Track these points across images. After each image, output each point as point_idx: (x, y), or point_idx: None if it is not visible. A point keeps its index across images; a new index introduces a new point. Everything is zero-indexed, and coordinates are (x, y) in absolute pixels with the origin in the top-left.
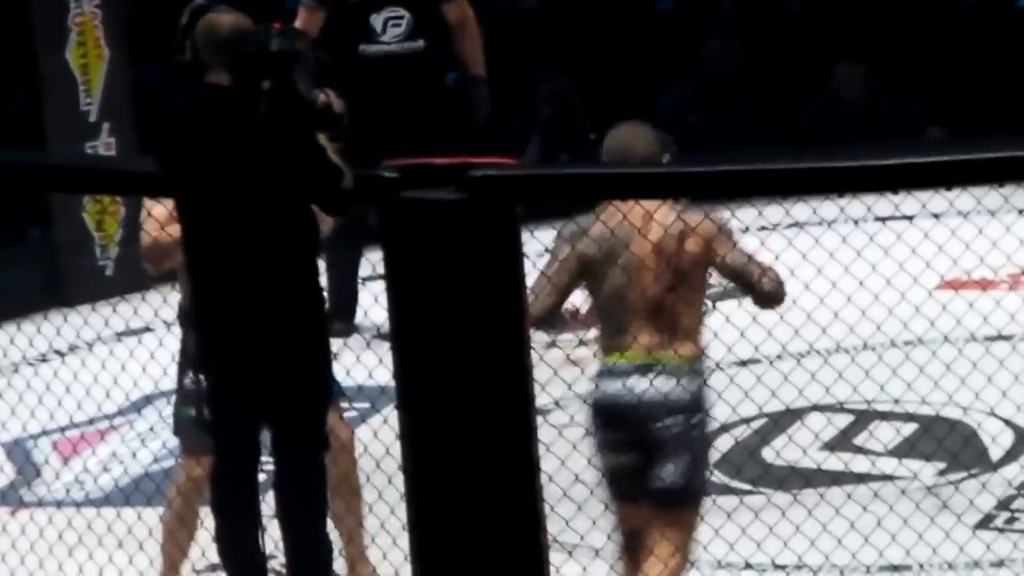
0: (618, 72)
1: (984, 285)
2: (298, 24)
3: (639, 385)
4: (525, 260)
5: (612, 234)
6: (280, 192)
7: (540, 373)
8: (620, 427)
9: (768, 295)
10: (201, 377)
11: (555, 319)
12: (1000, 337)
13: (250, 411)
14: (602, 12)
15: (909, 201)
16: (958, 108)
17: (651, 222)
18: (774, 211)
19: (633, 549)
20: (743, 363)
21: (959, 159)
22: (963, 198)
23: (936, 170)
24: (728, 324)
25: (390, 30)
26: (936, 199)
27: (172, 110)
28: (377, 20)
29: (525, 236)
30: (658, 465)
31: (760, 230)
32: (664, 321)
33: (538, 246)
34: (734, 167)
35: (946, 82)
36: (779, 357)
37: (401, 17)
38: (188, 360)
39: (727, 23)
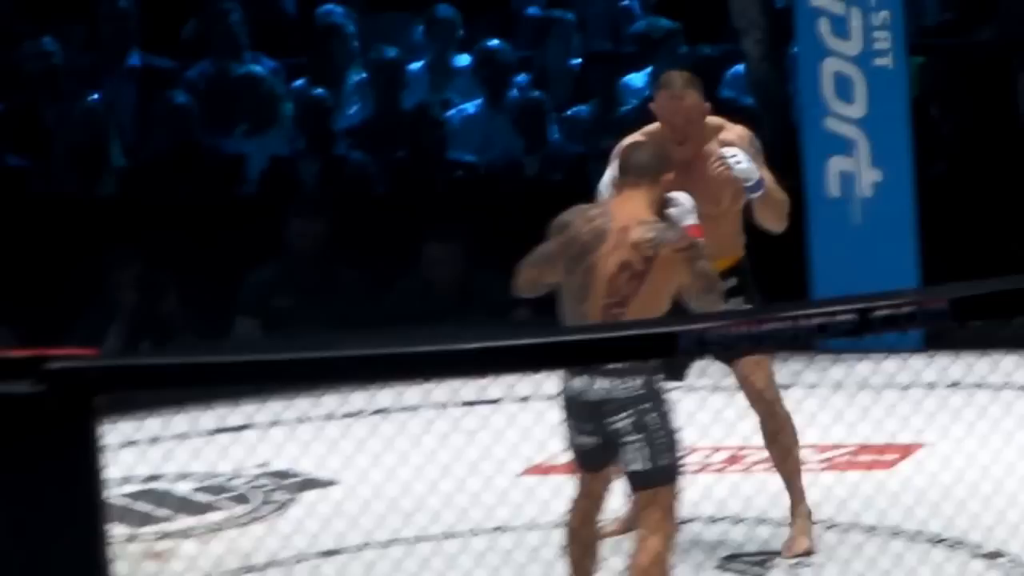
0: (204, 255)
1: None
2: None
3: (593, 384)
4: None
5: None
6: None
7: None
8: (581, 418)
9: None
10: None
11: (538, 289)
12: None
13: None
14: (182, 196)
15: (497, 384)
16: None
17: (625, 232)
18: (359, 397)
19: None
20: (326, 554)
21: (544, 341)
22: (551, 380)
23: (521, 353)
24: (312, 515)
25: None
26: (523, 383)
27: None
28: None
29: (107, 427)
30: (622, 453)
31: (344, 417)
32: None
33: (120, 437)
34: (317, 354)
35: None
36: (367, 545)
37: None
38: None
39: (310, 203)
